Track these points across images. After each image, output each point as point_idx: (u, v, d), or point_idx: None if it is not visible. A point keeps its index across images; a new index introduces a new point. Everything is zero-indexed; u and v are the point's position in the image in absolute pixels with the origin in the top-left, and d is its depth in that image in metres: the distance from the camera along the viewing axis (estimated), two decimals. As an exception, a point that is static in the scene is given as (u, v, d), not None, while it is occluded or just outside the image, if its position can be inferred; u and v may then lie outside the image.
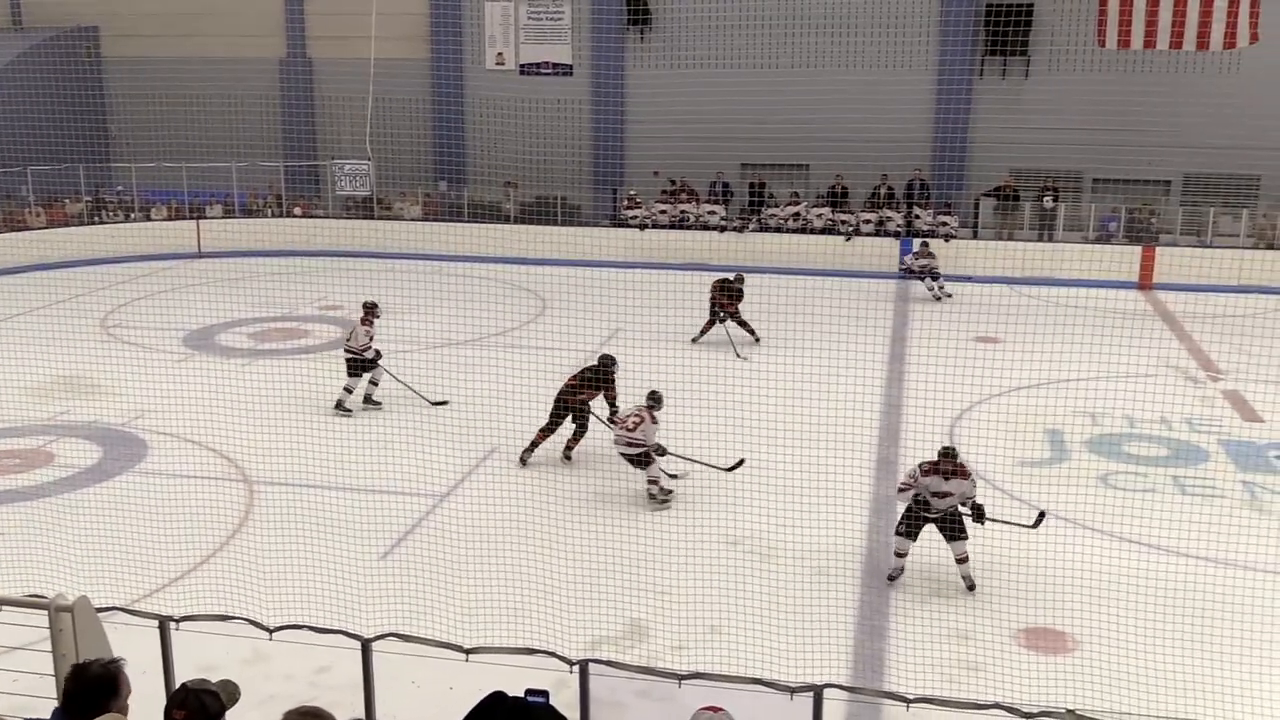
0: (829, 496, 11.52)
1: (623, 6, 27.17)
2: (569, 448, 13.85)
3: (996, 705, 6.04)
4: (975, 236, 25.53)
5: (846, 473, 12.77)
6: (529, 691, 4.64)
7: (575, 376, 13.91)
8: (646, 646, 9.61)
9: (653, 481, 12.60)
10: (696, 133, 25.57)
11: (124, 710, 4.56)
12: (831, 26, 25.77)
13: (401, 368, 16.95)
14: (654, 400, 12.92)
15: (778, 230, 25.93)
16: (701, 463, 12.91)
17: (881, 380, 17.02)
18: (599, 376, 13.82)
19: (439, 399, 15.91)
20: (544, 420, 13.79)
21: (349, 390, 15.92)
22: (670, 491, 12.71)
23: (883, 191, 25.99)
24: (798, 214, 26.14)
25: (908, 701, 6.26)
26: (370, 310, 16.22)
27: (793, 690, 6.10)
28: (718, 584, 10.53)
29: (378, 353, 16.06)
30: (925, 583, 10.77)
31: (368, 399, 16.11)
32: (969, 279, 22.59)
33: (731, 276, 19.62)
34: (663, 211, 26.64)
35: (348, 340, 16.21)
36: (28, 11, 31.26)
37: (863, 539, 11.75)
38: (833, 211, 25.98)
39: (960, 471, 10.53)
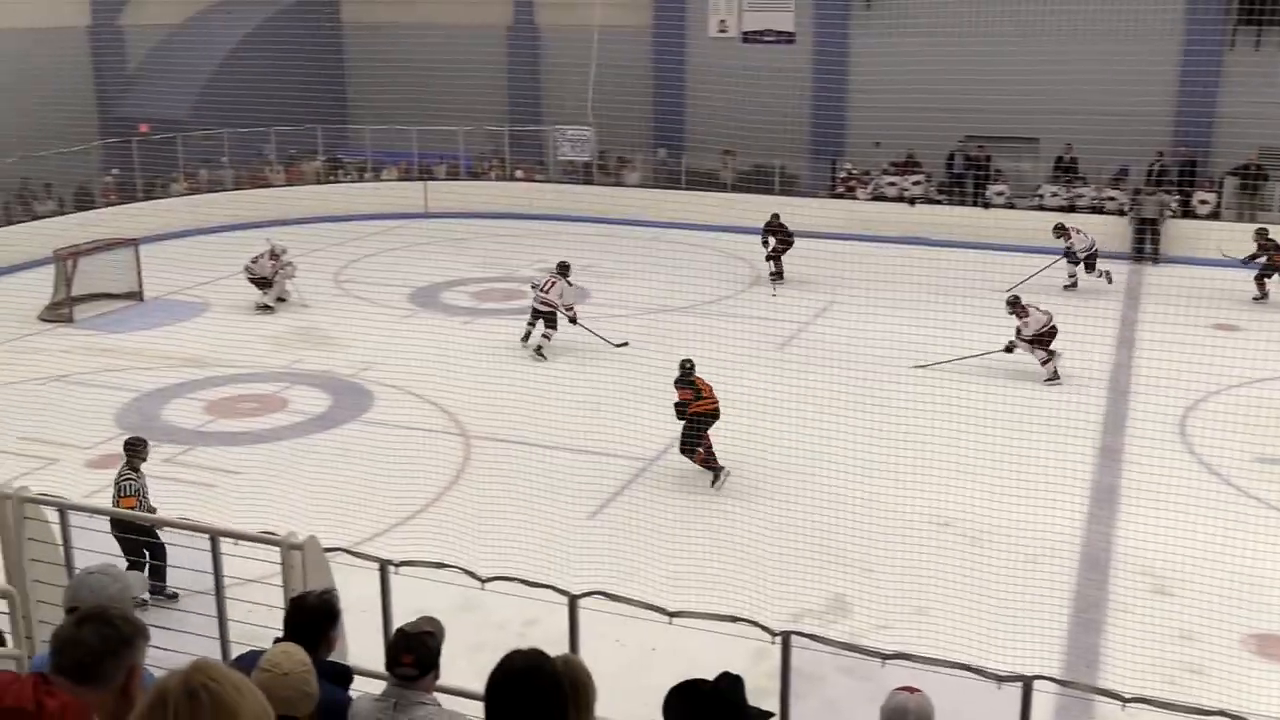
0: (1046, 482, 11.15)
1: (849, -27, 26.71)
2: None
3: (1221, 713, 5.60)
4: (1217, 217, 24.02)
5: (1066, 459, 12.34)
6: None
7: None
8: (849, 622, 9.52)
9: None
10: (919, 103, 24.89)
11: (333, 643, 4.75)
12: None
13: (617, 333, 17.23)
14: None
15: (1003, 206, 25.03)
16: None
17: (1109, 366, 16.29)
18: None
19: (620, 341, 17.03)
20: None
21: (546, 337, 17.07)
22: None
23: (1156, 169, 24.68)
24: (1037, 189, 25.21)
25: (1123, 700, 5.94)
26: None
27: (1001, 679, 5.91)
28: (925, 565, 10.32)
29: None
30: (1146, 578, 10.31)
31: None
32: (1219, 263, 20.93)
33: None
34: (891, 183, 26.15)
35: (544, 292, 17.14)
36: (275, -23, 32.75)
37: (1080, 528, 11.33)
38: (1068, 186, 24.84)
39: None
